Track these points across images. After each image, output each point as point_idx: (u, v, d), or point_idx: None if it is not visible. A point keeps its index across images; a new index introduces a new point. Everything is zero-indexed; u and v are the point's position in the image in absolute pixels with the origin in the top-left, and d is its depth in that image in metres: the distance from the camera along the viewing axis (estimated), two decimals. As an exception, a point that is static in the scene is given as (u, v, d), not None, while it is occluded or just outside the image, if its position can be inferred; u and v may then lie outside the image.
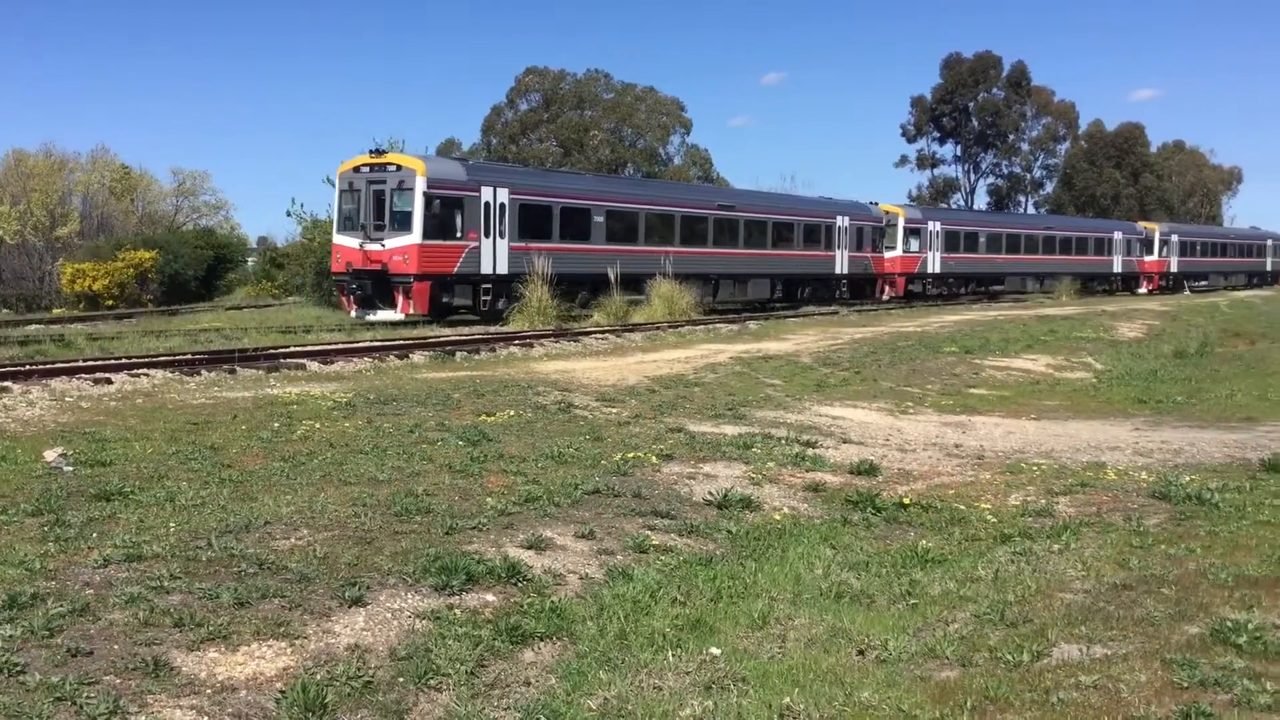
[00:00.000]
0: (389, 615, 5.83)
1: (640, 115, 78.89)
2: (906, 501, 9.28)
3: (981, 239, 50.27)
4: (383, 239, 26.29)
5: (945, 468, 11.13)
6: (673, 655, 5.67)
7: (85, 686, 4.69)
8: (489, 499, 8.24)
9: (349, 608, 5.84)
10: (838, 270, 41.35)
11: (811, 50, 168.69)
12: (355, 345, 19.75)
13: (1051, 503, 9.33)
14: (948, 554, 7.80)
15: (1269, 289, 71.72)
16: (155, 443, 9.63)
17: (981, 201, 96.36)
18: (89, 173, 67.48)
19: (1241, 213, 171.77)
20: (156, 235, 57.72)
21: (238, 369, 15.63)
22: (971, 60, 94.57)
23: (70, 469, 8.46)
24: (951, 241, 47.73)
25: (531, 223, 28.90)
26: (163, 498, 7.70)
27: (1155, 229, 64.15)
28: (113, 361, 15.87)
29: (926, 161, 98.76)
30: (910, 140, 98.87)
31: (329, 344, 20.41)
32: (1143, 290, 60.82)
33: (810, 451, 11.32)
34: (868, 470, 10.59)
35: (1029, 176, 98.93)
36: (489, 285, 27.71)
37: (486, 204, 27.60)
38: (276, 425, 10.67)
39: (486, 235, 27.52)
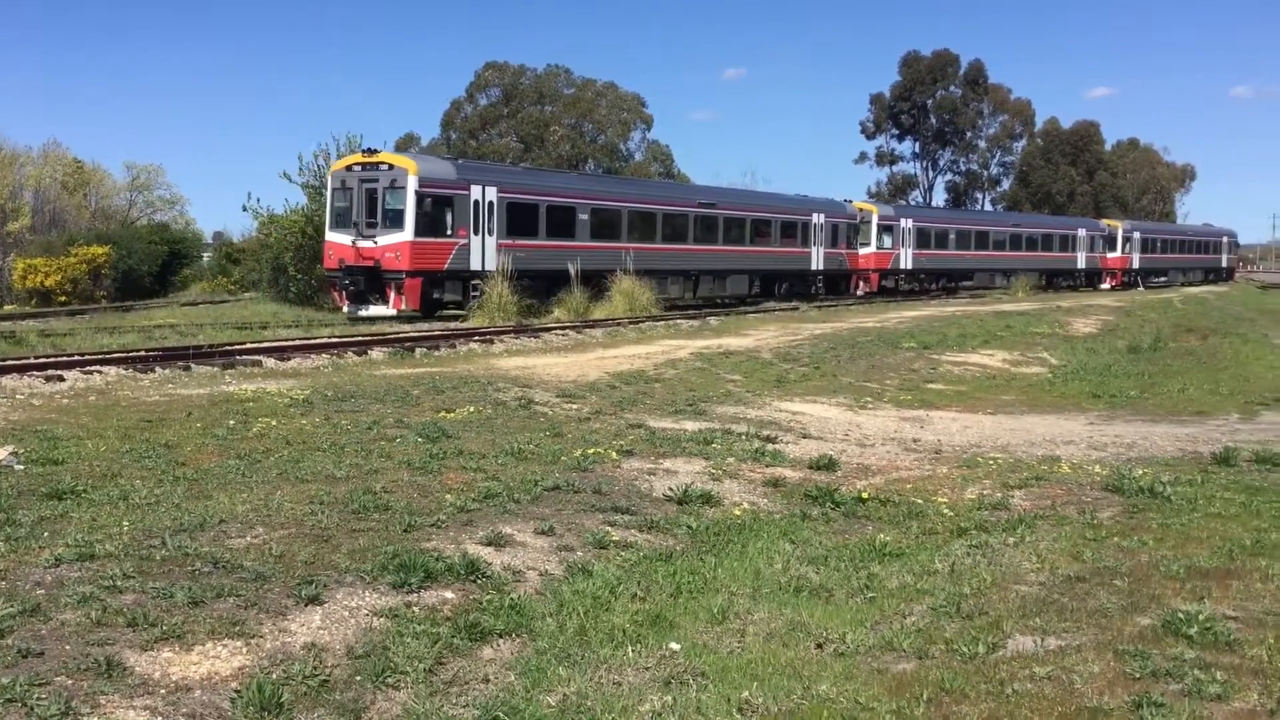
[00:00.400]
0: (346, 613, 5.79)
1: (601, 111, 78.83)
2: (865, 496, 9.34)
3: (952, 236, 51.33)
4: (375, 236, 26.79)
5: (903, 462, 11.21)
6: (632, 651, 5.67)
7: (36, 688, 4.62)
8: (448, 496, 8.20)
9: (305, 606, 5.79)
10: (814, 266, 42.20)
11: (772, 46, 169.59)
12: (312, 342, 19.58)
13: (1007, 496, 9.43)
14: (905, 547, 7.87)
15: (1223, 285, 73.06)
16: (108, 441, 9.50)
17: (940, 198, 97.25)
18: (40, 167, 66.49)
19: (1194, 210, 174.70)
20: (110, 230, 56.97)
21: (192, 366, 15.45)
22: (930, 58, 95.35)
23: (21, 467, 8.32)
24: (923, 239, 48.71)
25: (519, 221, 29.43)
26: (116, 496, 7.60)
27: (1118, 226, 65.28)
28: (65, 359, 15.62)
29: (886, 158, 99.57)
30: (870, 137, 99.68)
31: (286, 340, 20.21)
32: (1105, 286, 61.84)
33: (770, 447, 11.37)
34: (827, 465, 10.65)
35: (986, 174, 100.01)
36: (478, 281, 28.10)
37: (476, 202, 28.13)
38: (232, 423, 10.56)
39: (476, 233, 28.07)
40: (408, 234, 26.60)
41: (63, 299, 44.77)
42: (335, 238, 27.70)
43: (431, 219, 27.16)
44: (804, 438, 12.32)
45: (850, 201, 46.59)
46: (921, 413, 15.05)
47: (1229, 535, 7.79)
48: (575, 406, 13.15)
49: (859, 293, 45.32)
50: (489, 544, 7.16)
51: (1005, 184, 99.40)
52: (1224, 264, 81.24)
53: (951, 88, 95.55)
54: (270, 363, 16.38)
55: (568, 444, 10.64)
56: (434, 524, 7.44)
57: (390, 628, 5.66)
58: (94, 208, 71.38)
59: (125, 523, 6.94)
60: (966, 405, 16.07)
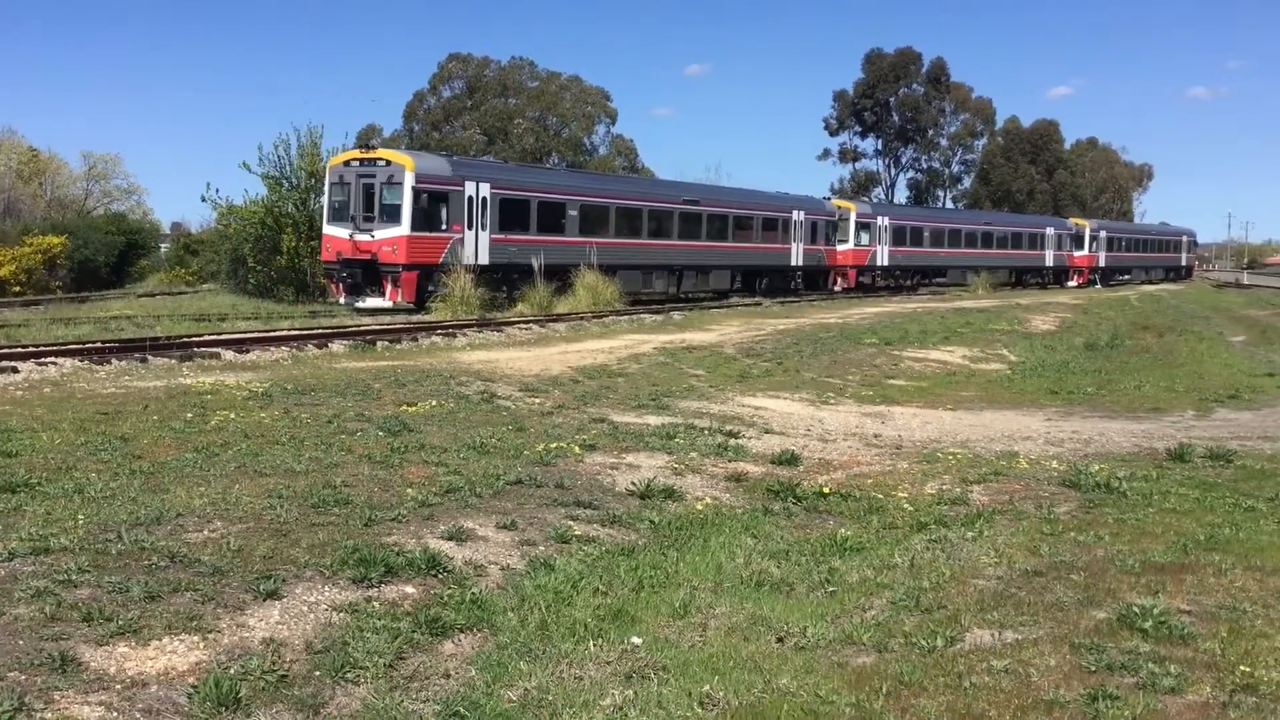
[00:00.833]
0: (305, 608, 5.74)
1: (565, 104, 78.67)
2: (826, 491, 9.38)
3: (926, 234, 52.44)
4: (372, 230, 27.36)
5: (864, 457, 11.28)
6: (594, 645, 5.67)
7: (-13, 684, 4.54)
8: (409, 490, 8.16)
9: (264, 601, 5.74)
10: (793, 262, 43.08)
11: (734, 42, 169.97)
12: (272, 334, 19.41)
13: (966, 491, 9.51)
14: (866, 542, 7.91)
15: (1180, 284, 74.26)
16: (63, 433, 9.37)
17: (901, 195, 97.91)
18: (-6, 155, 65.33)
19: (1151, 209, 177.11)
20: (66, 220, 56.13)
21: (150, 358, 15.26)
22: (893, 56, 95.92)
23: (-28, 460, 8.18)
24: (899, 236, 49.75)
25: (511, 216, 30.08)
26: (71, 489, 7.50)
27: (1086, 225, 66.57)
28: (19, 350, 15.38)
29: (848, 155, 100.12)
30: (833, 134, 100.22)
31: (245, 333, 20.03)
32: (1073, 284, 62.98)
33: (733, 442, 11.40)
34: (789, 460, 10.69)
35: (948, 171, 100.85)
36: (472, 275, 28.44)
37: (470, 198, 28.72)
38: (190, 415, 10.45)
39: (469, 227, 28.66)
40: (404, 228, 27.13)
41: (17, 289, 44.01)
42: (332, 231, 28.21)
43: (427, 214, 27.69)
44: (766, 433, 12.37)
45: (829, 199, 47.86)
46: (883, 408, 15.15)
47: (1183, 530, 7.90)
48: (538, 400, 13.13)
49: (837, 288, 46.34)
50: (450, 538, 7.12)
51: (966, 182, 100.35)
52: (1183, 263, 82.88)
53: (914, 86, 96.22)
54: (229, 355, 16.21)
55: (530, 438, 10.61)
56: (395, 518, 7.39)
57: (350, 623, 5.62)
58: (50, 197, 70.31)
59: (80, 516, 6.85)
60: (927, 401, 16.19)
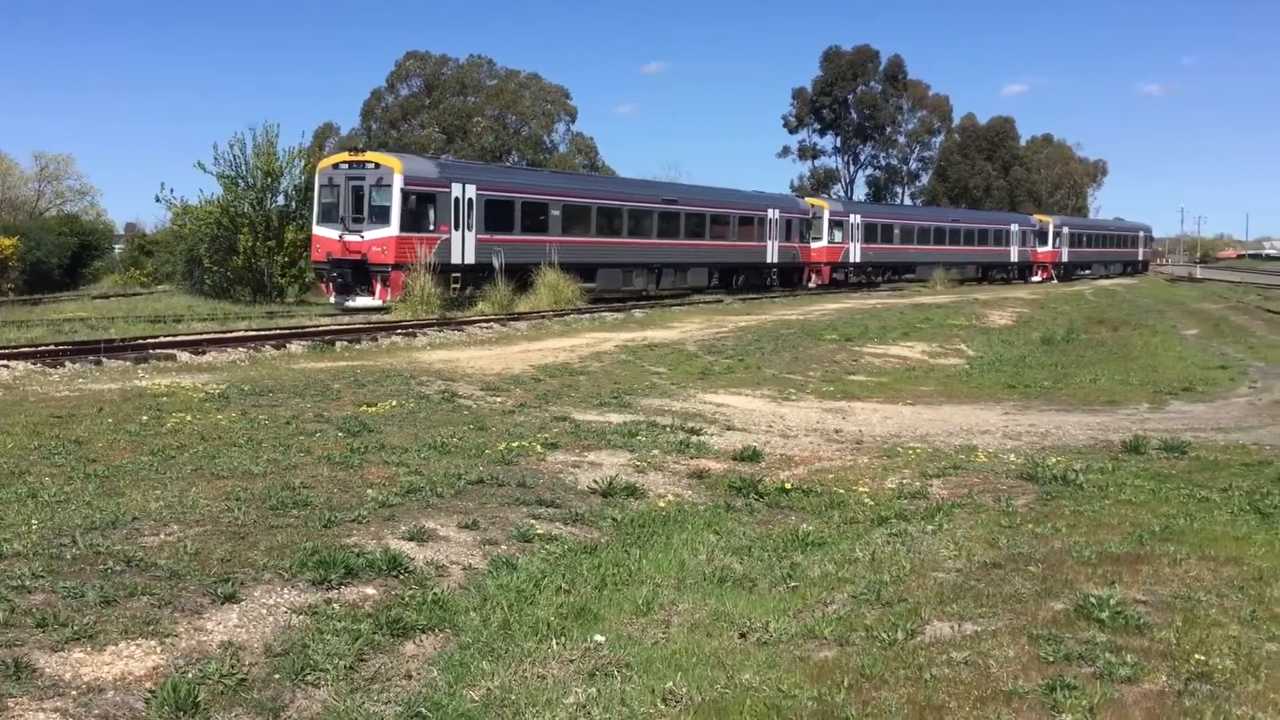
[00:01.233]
0: (264, 611, 5.69)
1: (525, 102, 78.41)
2: (788, 486, 9.42)
3: (896, 231, 53.61)
4: (362, 231, 27.88)
5: (825, 453, 11.34)
6: (557, 644, 5.66)
7: (-63, 693, 4.46)
8: (369, 491, 8.10)
9: (222, 604, 5.68)
10: (769, 260, 44.01)
11: (693, 40, 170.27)
12: (228, 335, 19.22)
13: (926, 485, 9.59)
14: (827, 537, 7.96)
15: (1135, 278, 75.40)
16: (16, 437, 9.22)
17: (860, 192, 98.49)
18: (-58, 155, 64.17)
19: (1105, 204, 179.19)
20: (17, 222, 55.26)
21: (104, 360, 15.04)
22: (850, 54, 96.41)
23: (-79, 466, 8.03)
24: (870, 233, 50.88)
25: (495, 217, 30.62)
26: (24, 494, 7.38)
27: (1049, 222, 67.97)
28: (-31, 353, 15.10)
29: (808, 152, 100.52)
30: (792, 131, 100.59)
31: (201, 334, 19.81)
32: (1036, 279, 64.18)
33: (695, 439, 11.42)
34: (751, 456, 10.72)
35: (906, 168, 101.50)
36: (458, 274, 29.14)
37: (456, 199, 29.23)
38: (145, 418, 10.32)
39: (456, 228, 29.16)
40: (394, 229, 27.59)
41: (-33, 292, 43.30)
42: (322, 232, 28.71)
43: (415, 215, 28.23)
44: (728, 429, 12.40)
45: (803, 197, 49.03)
46: (843, 404, 15.23)
47: (1139, 521, 8.00)
48: (499, 400, 13.08)
49: (811, 285, 47.35)
50: (411, 539, 7.08)
51: (924, 179, 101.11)
52: (1140, 257, 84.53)
53: (872, 83, 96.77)
54: (185, 357, 16.02)
55: (492, 437, 10.57)
56: (355, 519, 7.34)
57: (310, 625, 5.57)
58: (0, 198, 69.16)
59: (34, 521, 6.75)
60: (887, 396, 16.30)
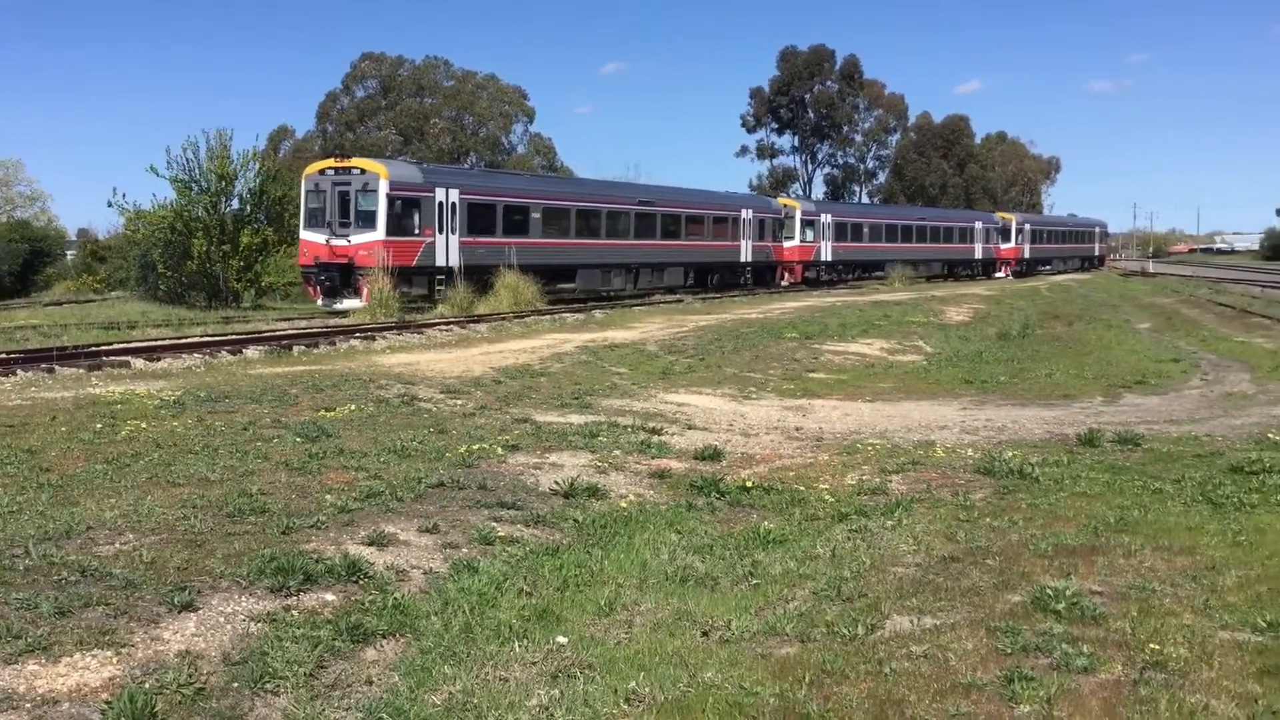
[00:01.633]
0: (222, 619, 5.63)
1: (482, 103, 78.10)
2: (749, 484, 9.46)
3: (866, 230, 54.85)
4: (348, 235, 28.46)
5: (786, 450, 11.39)
6: (519, 646, 5.64)
7: (-114, 710, 4.38)
8: (328, 496, 8.04)
9: (179, 613, 5.61)
10: (743, 259, 45.08)
11: (651, 40, 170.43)
12: (184, 341, 19.00)
13: (885, 481, 9.66)
14: (788, 534, 7.99)
15: (1089, 273, 76.49)
16: (-36, 448, 9.05)
17: (819, 191, 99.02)
18: (-113, 161, 62.96)
19: (1059, 201, 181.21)
20: (-35, 228, 54.25)
21: (57, 368, 14.83)
22: (807, 53, 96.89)
23: None
24: (841, 232, 52.10)
25: (478, 220, 31.39)
26: (-27, 506, 7.25)
27: (1012, 219, 69.52)
28: (-84, 362, 14.83)
29: (766, 152, 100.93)
30: (750, 131, 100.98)
31: (155, 340, 19.56)
32: (1000, 275, 65.70)
33: (656, 439, 11.43)
34: (712, 455, 10.75)
35: (863, 167, 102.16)
36: (442, 276, 29.96)
37: (440, 203, 30.00)
38: (99, 426, 10.18)
39: (440, 231, 29.95)
40: (380, 233, 28.24)
41: (-86, 300, 42.49)
42: (309, 236, 29.25)
43: (401, 219, 28.96)
44: (689, 429, 12.42)
45: (776, 197, 50.19)
46: (803, 401, 15.31)
47: (1094, 513, 8.11)
48: (460, 402, 13.02)
49: (784, 283, 48.47)
50: (371, 544, 7.04)
51: (881, 177, 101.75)
52: (1097, 252, 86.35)
53: (828, 83, 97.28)
54: (139, 363, 15.83)
55: (452, 440, 10.53)
56: (313, 525, 7.28)
57: (269, 632, 5.52)
58: (-53, 204, 67.98)
59: (-16, 533, 6.63)
60: (847, 393, 16.40)
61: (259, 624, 5.62)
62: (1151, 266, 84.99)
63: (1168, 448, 11.02)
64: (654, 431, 11.81)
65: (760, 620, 6.09)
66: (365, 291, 27.95)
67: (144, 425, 10.29)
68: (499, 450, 10.15)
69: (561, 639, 5.77)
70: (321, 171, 29.71)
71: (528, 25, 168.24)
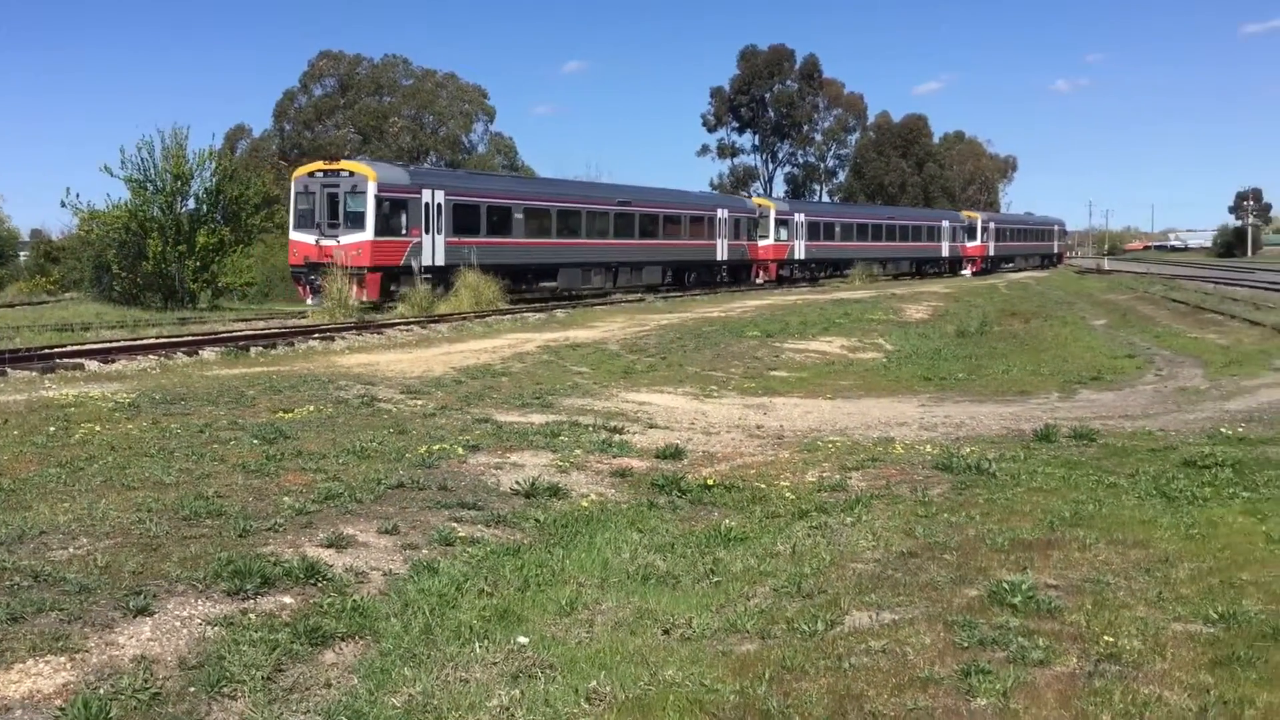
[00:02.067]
0: (178, 624, 5.57)
1: (442, 102, 77.65)
2: (711, 483, 9.48)
3: (838, 229, 56.17)
4: (337, 235, 29.23)
5: (747, 448, 11.43)
6: (480, 647, 5.62)
7: None
8: (286, 498, 7.97)
9: (134, 618, 5.54)
10: (719, 258, 46.31)
11: (612, 40, 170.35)
12: (139, 342, 18.77)
13: (845, 478, 9.72)
14: (749, 532, 8.02)
15: (1047, 270, 77.54)
16: (-87, 452, 8.89)
17: (779, 189, 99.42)
18: None
19: (1016, 199, 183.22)
20: (-87, 229, 53.26)
21: (8, 370, 14.60)
22: (766, 53, 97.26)
23: None
24: (814, 231, 53.33)
25: (463, 220, 32.27)
26: (-78, 511, 7.12)
27: (978, 217, 70.94)
28: None
29: (727, 151, 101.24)
30: (711, 130, 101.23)
31: (110, 342, 19.31)
32: (966, 272, 66.74)
33: (617, 438, 11.42)
34: (673, 454, 10.76)
35: (823, 165, 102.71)
36: (429, 275, 30.55)
37: (426, 204, 30.85)
38: (52, 429, 10.03)
39: (427, 232, 30.79)
40: (369, 234, 29.05)
41: None
42: (299, 237, 29.97)
43: (389, 220, 29.73)
44: (651, 427, 12.43)
45: (751, 197, 51.39)
46: (765, 399, 15.37)
47: (1050, 508, 8.20)
48: (420, 403, 12.96)
49: (759, 281, 49.54)
50: (330, 546, 6.98)
51: (841, 176, 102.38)
52: (1056, 250, 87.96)
53: (788, 82, 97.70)
54: (93, 365, 15.62)
55: (412, 441, 10.47)
56: (271, 528, 7.22)
57: (225, 636, 5.46)
58: (-106, 205, 66.64)
59: (-67, 539, 6.51)
60: (807, 391, 16.48)
61: (215, 628, 5.56)
62: (1107, 264, 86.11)
63: (1122, 443, 11.17)
64: (616, 430, 11.81)
65: (721, 618, 6.11)
66: (355, 290, 28.51)
67: (98, 428, 10.16)
68: (460, 450, 10.11)
69: (522, 639, 5.76)
70: (311, 174, 30.46)
71: (488, 24, 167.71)
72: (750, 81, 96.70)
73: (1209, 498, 8.48)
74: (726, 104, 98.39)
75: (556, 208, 36.73)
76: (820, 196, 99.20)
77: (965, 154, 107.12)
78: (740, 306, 32.48)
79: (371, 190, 29.15)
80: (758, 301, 35.47)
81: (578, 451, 10.58)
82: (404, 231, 30.10)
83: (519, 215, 34.66)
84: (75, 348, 17.82)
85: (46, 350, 17.33)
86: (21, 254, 60.58)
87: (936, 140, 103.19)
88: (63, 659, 5.05)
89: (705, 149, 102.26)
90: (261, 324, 26.14)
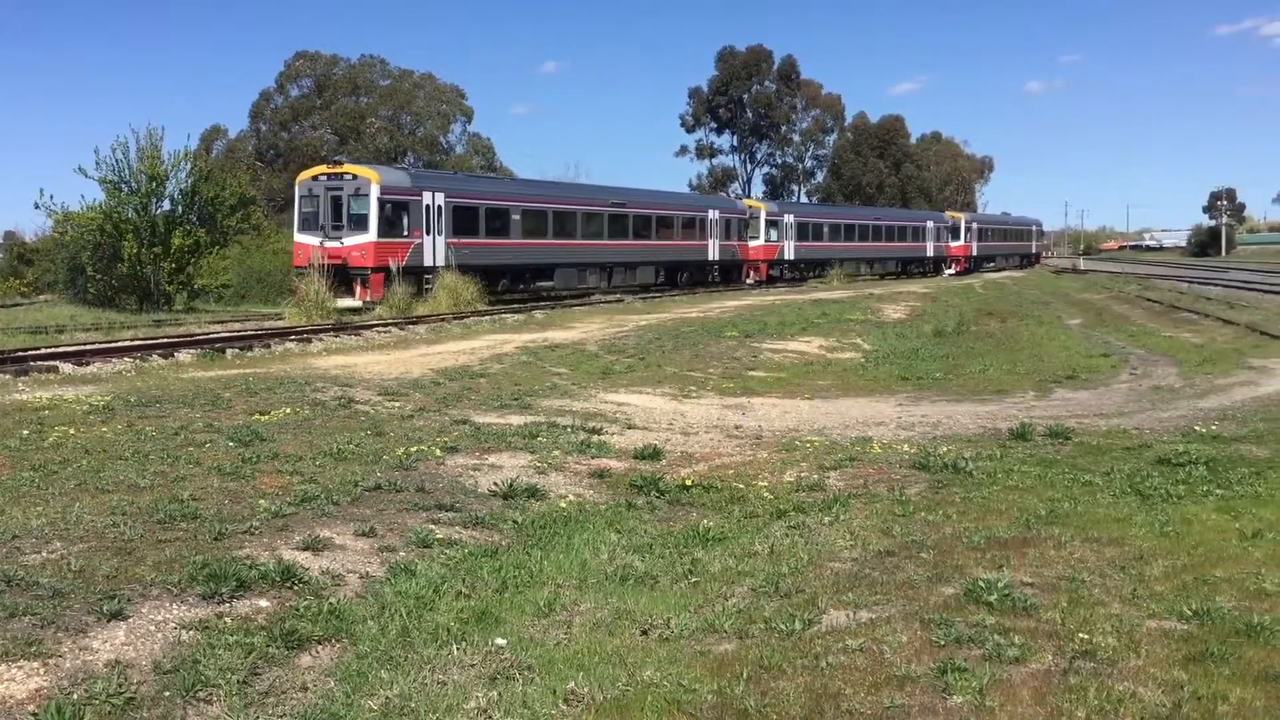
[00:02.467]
0: (152, 628, 5.53)
1: (419, 103, 77.44)
2: (689, 483, 9.48)
3: (826, 229, 57.15)
4: (341, 237, 30.00)
5: (726, 449, 11.45)
6: (457, 649, 5.61)
7: None
8: (262, 501, 7.92)
9: (108, 622, 5.50)
10: (711, 258, 47.48)
11: (590, 40, 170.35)
12: (114, 345, 18.63)
13: (823, 478, 9.74)
14: (728, 532, 8.03)
15: (1023, 270, 78.10)
16: (-117, 457, 8.80)
17: (758, 190, 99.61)
18: None
19: (992, 199, 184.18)
20: (-116, 230, 52.66)
21: (-19, 374, 14.45)
22: (745, 54, 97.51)
23: None
24: (803, 232, 54.28)
25: (463, 221, 33.04)
26: (-108, 516, 7.04)
27: (961, 218, 71.97)
28: None
29: (705, 151, 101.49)
30: (689, 130, 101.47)
31: (84, 344, 19.17)
32: (950, 271, 67.50)
33: (596, 438, 11.42)
34: (651, 454, 10.76)
35: (801, 166, 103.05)
36: (430, 275, 31.42)
37: (427, 206, 31.64)
38: (26, 433, 9.95)
39: (428, 233, 31.62)
40: (372, 235, 29.79)
41: None
42: (303, 239, 30.67)
43: (391, 222, 30.46)
44: (629, 428, 12.43)
45: (741, 198, 52.23)
46: (743, 400, 15.39)
47: (1025, 506, 8.25)
48: (398, 404, 12.91)
49: (750, 280, 50.34)
50: (306, 548, 6.95)
51: (819, 176, 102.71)
52: (1034, 249, 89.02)
53: (766, 83, 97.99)
54: (67, 368, 15.50)
55: (390, 442, 10.44)
56: (247, 531, 7.18)
57: (201, 640, 5.43)
58: None
59: (-97, 544, 6.44)
60: (786, 391, 16.52)
61: (191, 632, 5.53)
62: (1082, 263, 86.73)
63: (1097, 441, 11.24)
64: (594, 431, 11.80)
65: (699, 618, 6.11)
66: (359, 290, 29.37)
67: (72, 431, 10.08)
68: (437, 452, 10.08)
69: (500, 641, 5.75)
70: (314, 178, 31.13)
71: (466, 24, 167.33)
72: (728, 82, 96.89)
73: (1183, 495, 8.55)
74: (705, 105, 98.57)
75: (553, 209, 37.41)
76: (799, 197, 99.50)
77: (942, 154, 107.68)
78: (719, 307, 32.52)
79: (374, 193, 29.78)
80: (737, 302, 35.53)
81: (556, 452, 10.57)
82: (405, 233, 30.74)
83: (516, 217, 35.34)
84: (49, 350, 17.68)
85: (20, 353, 17.18)
86: (-6, 256, 59.95)
87: (914, 141, 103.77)
88: (35, 664, 5.01)
89: (684, 149, 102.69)
90: (238, 326, 26.00)
